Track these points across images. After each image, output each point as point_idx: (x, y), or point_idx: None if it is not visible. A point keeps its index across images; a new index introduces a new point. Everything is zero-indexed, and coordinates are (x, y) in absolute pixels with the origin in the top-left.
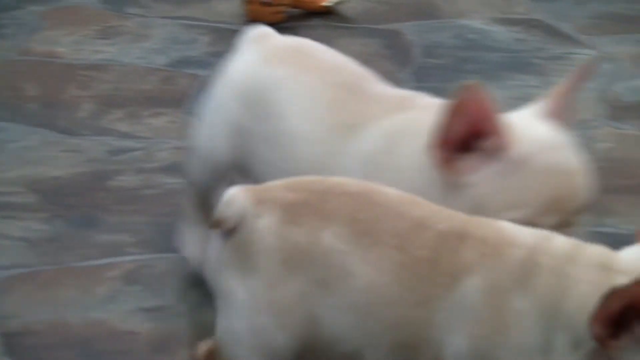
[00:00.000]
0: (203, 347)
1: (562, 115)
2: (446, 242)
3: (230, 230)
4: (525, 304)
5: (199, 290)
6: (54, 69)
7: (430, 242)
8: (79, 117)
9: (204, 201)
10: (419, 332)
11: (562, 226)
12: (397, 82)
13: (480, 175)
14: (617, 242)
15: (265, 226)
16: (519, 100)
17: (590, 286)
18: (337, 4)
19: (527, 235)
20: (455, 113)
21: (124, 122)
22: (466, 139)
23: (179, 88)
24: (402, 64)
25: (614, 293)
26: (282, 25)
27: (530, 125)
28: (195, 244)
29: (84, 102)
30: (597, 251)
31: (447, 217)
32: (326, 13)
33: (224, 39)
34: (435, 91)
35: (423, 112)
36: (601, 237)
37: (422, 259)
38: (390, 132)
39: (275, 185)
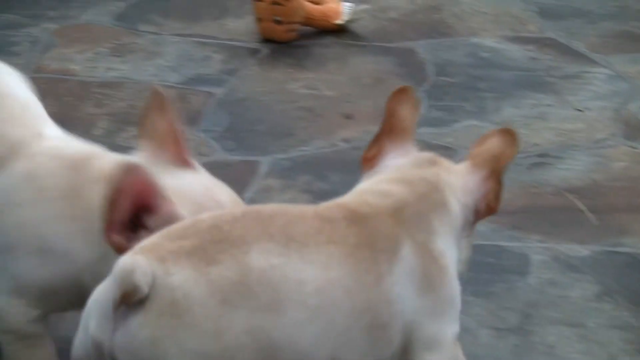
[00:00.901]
0: None
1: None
2: (362, 225)
3: (140, 301)
4: (442, 244)
5: None
6: (69, 87)
7: (350, 230)
8: (94, 135)
9: None
10: (382, 310)
11: None
12: None
13: None
14: (636, 261)
15: (183, 279)
16: (534, 119)
17: None
18: (349, 22)
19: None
20: (116, 197)
21: None
22: (133, 219)
23: (193, 106)
24: (415, 83)
25: (111, 202)
26: (295, 43)
27: (179, 184)
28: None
29: (99, 119)
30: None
31: (333, 207)
32: (339, 31)
33: (237, 57)
34: (449, 110)
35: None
36: (618, 257)
37: (359, 244)
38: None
39: (158, 242)
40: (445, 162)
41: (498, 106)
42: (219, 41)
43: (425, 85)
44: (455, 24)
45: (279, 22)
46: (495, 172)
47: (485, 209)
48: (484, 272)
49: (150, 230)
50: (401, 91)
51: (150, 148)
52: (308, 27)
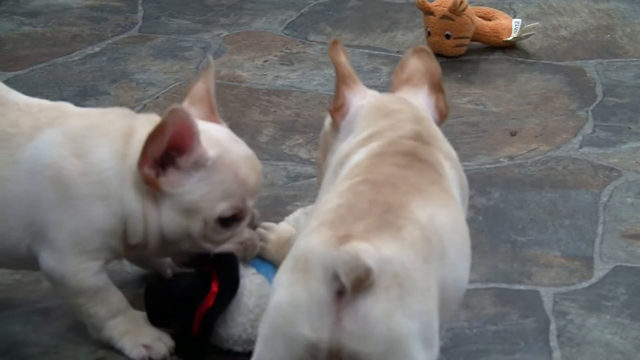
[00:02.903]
0: None
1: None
2: (423, 161)
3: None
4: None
5: None
6: (236, 93)
7: (425, 169)
8: (260, 142)
9: None
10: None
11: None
12: (577, 119)
13: (187, 186)
14: None
15: (393, 250)
16: None
17: None
18: (519, 39)
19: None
20: (157, 133)
21: (303, 148)
22: (166, 156)
23: None
24: (583, 102)
25: (152, 136)
26: (463, 58)
27: (208, 129)
28: None
29: (265, 126)
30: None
31: (397, 156)
32: (508, 47)
33: None
34: (615, 130)
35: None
36: None
37: (434, 179)
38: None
39: (342, 227)
40: (400, 92)
41: None
42: (387, 53)
43: (592, 105)
44: (627, 44)
45: (448, 37)
46: (435, 85)
47: (440, 117)
48: None
49: (178, 169)
50: (334, 43)
51: (189, 104)
52: (477, 42)
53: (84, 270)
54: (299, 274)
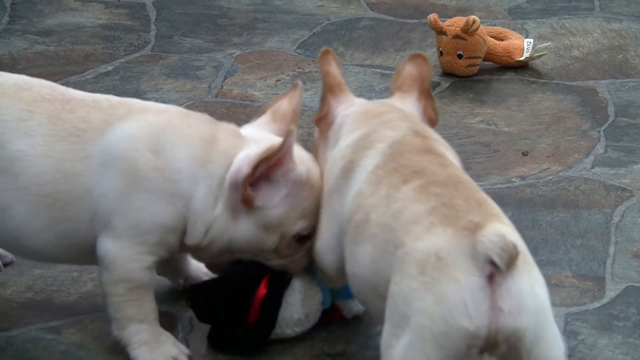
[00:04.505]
0: None
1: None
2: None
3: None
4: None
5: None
6: (249, 112)
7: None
8: None
9: None
10: None
11: None
12: (589, 139)
13: (275, 202)
14: None
15: (505, 226)
16: None
17: None
18: (531, 59)
19: None
20: (269, 158)
21: None
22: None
23: None
24: (595, 122)
25: (266, 159)
26: (475, 78)
27: (294, 148)
28: None
29: None
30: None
31: (422, 151)
32: (520, 67)
33: None
34: (627, 151)
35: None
36: None
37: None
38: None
39: (457, 216)
40: (390, 99)
41: None
42: None
43: (604, 125)
44: (639, 64)
45: (460, 57)
46: (424, 91)
47: (429, 123)
48: None
49: (270, 183)
50: (325, 53)
51: (271, 120)
52: (489, 62)
53: (136, 261)
54: (433, 273)
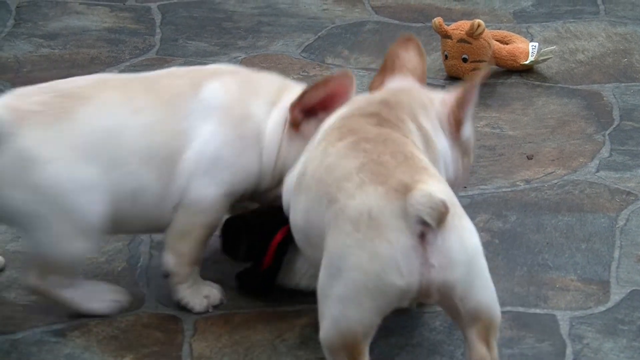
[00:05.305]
0: None
1: None
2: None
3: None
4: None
5: (394, 339)
6: None
7: None
8: None
9: None
10: None
11: None
12: (594, 143)
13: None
14: None
15: (437, 184)
16: None
17: None
18: (536, 62)
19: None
20: (319, 86)
21: None
22: (317, 108)
23: None
24: (600, 126)
25: (316, 85)
26: None
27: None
28: None
29: None
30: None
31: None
32: (525, 71)
33: None
34: (632, 155)
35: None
36: None
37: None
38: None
39: (385, 173)
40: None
41: None
42: None
43: (609, 129)
44: None
45: (465, 60)
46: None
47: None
48: None
49: (319, 120)
50: (407, 39)
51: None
52: (495, 66)
53: (223, 208)
54: (367, 232)
